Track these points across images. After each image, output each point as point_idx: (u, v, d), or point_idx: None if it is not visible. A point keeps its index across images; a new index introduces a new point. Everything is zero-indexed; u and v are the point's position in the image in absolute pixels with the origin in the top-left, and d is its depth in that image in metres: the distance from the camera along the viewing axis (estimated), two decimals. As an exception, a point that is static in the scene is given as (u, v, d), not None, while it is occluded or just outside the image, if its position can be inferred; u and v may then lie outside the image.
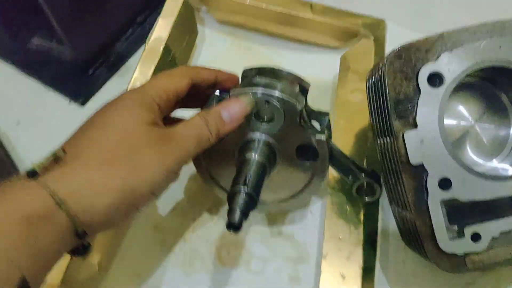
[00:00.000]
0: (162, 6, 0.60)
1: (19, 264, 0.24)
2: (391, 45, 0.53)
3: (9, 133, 0.54)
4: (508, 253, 0.36)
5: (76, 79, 0.57)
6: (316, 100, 0.53)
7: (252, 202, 0.36)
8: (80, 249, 0.30)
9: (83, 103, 0.56)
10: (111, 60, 0.58)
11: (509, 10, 0.60)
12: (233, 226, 0.34)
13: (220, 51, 0.57)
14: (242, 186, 0.36)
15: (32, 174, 0.27)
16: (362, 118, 0.49)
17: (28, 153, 0.53)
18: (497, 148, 0.40)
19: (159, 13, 0.60)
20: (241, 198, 0.35)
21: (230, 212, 0.35)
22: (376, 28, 0.53)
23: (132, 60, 0.59)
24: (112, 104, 0.34)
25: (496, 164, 0.40)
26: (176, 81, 0.36)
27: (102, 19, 0.56)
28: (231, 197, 0.36)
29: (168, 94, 0.35)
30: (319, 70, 0.55)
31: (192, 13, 0.55)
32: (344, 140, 0.48)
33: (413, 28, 0.57)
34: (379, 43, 0.52)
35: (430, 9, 0.61)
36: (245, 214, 0.35)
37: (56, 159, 0.29)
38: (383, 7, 0.59)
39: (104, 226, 0.30)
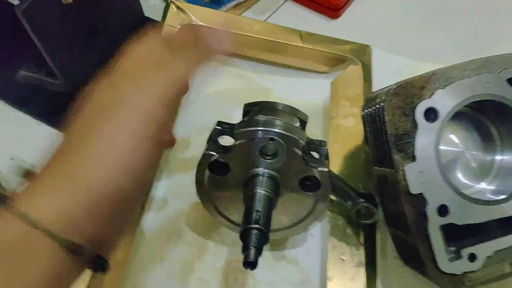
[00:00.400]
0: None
1: None
2: (377, 69, 0.56)
3: (3, 169, 0.54)
4: (500, 270, 0.40)
5: (69, 111, 0.57)
6: (308, 124, 0.55)
7: (264, 238, 0.37)
8: (95, 265, 0.27)
9: (77, 135, 0.56)
10: (103, 90, 0.58)
11: (487, 39, 0.64)
12: (250, 264, 0.35)
13: (212, 79, 0.58)
14: (254, 223, 0.37)
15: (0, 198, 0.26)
16: (355, 142, 0.51)
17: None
18: (485, 172, 0.43)
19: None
20: (254, 235, 0.37)
21: (245, 250, 0.36)
22: (362, 54, 0.56)
23: (123, 90, 0.59)
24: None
25: (484, 186, 0.43)
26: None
27: (93, 50, 0.56)
28: (245, 235, 0.37)
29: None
30: (310, 94, 0.57)
31: (185, 44, 0.56)
32: (339, 164, 0.50)
33: (396, 52, 0.60)
34: (366, 68, 0.55)
35: (410, 34, 0.64)
36: (259, 250, 0.37)
37: (27, 175, 0.28)
38: (367, 33, 0.62)
39: (97, 231, 0.27)
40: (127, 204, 0.29)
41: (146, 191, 0.32)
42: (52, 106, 0.58)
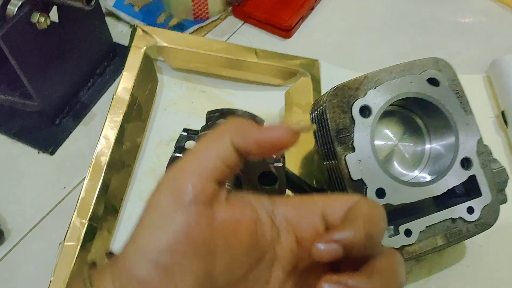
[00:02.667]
0: (119, 58, 0.66)
1: None
2: (325, 80, 0.63)
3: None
4: (434, 243, 0.46)
5: (44, 130, 0.61)
6: (266, 132, 0.61)
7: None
8: None
9: (52, 152, 0.60)
10: (76, 109, 0.63)
11: (414, 47, 0.73)
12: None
13: (177, 95, 0.64)
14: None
15: (90, 266, 0.27)
16: (307, 144, 0.57)
17: (3, 204, 0.56)
18: (417, 161, 0.50)
19: (115, 65, 0.66)
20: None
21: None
22: (311, 67, 0.63)
23: (95, 109, 0.64)
24: None
25: (417, 174, 0.49)
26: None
27: (65, 72, 0.60)
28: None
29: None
30: (267, 105, 0.64)
31: (152, 64, 0.61)
32: (295, 163, 0.56)
33: (341, 65, 0.68)
34: (315, 79, 0.62)
35: (353, 49, 0.72)
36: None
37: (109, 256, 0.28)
38: (316, 49, 0.70)
39: None
40: None
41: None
42: (27, 126, 0.61)
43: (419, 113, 0.49)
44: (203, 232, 0.24)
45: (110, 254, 0.28)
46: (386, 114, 0.49)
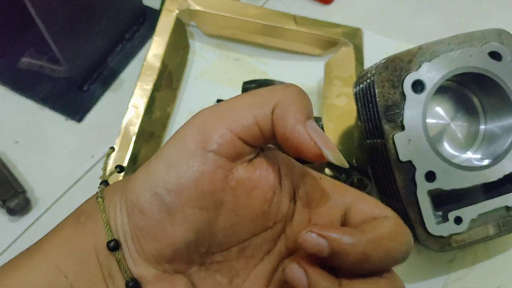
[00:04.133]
0: (148, 23, 0.63)
1: None
2: (368, 51, 0.59)
3: (9, 153, 0.55)
4: (485, 232, 0.42)
5: (72, 96, 0.59)
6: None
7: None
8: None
9: (79, 119, 0.58)
10: (104, 75, 0.60)
11: (470, 15, 0.67)
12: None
13: (209, 63, 0.60)
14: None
15: (102, 184, 0.27)
16: (348, 120, 0.54)
17: (30, 172, 0.54)
18: (470, 142, 0.46)
19: (145, 30, 0.63)
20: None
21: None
22: (354, 36, 0.58)
23: (123, 75, 0.61)
24: None
25: (470, 155, 0.45)
26: None
27: (94, 36, 0.58)
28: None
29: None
30: (304, 77, 0.60)
31: (184, 29, 0.58)
32: (334, 140, 0.53)
33: (386, 34, 0.63)
34: (358, 50, 0.58)
35: (399, 17, 0.67)
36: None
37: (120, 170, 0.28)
38: (358, 17, 0.65)
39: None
40: None
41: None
42: (54, 91, 0.59)
43: (475, 89, 0.45)
44: (215, 184, 0.23)
45: (120, 168, 0.29)
46: (438, 91, 0.44)
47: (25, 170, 0.55)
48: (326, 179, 0.26)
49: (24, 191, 0.52)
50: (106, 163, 0.30)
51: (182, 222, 0.23)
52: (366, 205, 0.24)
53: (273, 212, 0.25)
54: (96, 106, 0.59)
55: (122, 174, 0.46)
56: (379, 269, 0.22)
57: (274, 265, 0.26)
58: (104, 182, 0.27)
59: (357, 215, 0.24)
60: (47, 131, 0.57)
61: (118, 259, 0.24)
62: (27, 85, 0.60)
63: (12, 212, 0.50)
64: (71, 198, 0.53)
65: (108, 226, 0.24)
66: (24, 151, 0.56)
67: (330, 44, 0.59)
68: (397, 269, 0.46)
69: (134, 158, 0.49)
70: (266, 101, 0.23)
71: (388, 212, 0.24)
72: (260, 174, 0.24)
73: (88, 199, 0.26)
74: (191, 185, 0.22)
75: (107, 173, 0.28)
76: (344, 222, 0.25)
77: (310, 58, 0.61)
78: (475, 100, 0.45)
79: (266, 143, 0.24)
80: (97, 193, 0.26)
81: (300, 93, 0.24)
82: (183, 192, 0.22)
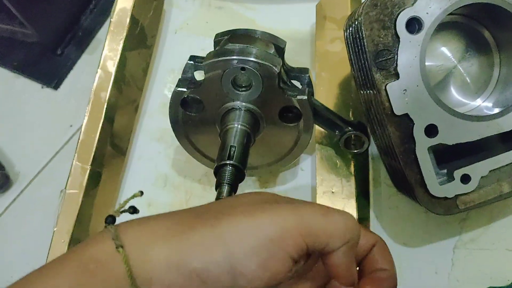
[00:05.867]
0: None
1: None
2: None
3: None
4: (498, 190, 0.37)
5: (46, 62, 0.55)
6: (296, 53, 0.51)
7: (239, 174, 0.36)
8: None
9: (56, 86, 0.54)
10: (78, 36, 0.56)
11: None
12: (224, 201, 0.34)
13: (189, 14, 0.55)
14: (227, 159, 0.35)
15: (109, 220, 0.25)
16: (344, 68, 0.48)
17: (7, 146, 0.52)
18: (481, 87, 0.39)
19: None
20: (228, 172, 0.35)
21: (218, 187, 0.34)
22: (349, -30, 0.50)
23: (100, 35, 0.56)
24: None
25: (480, 103, 0.39)
26: None
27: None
28: (218, 172, 0.35)
29: None
30: (295, 22, 0.53)
31: (155, -23, 0.52)
32: (328, 92, 0.47)
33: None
34: (354, -13, 0.50)
35: None
36: (233, 187, 0.35)
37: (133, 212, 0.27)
38: None
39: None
40: None
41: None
42: (29, 58, 0.55)
43: (487, 23, 0.38)
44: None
45: (133, 209, 0.27)
46: (443, 27, 0.38)
47: (3, 144, 0.52)
48: None
49: (2, 167, 0.49)
50: (125, 202, 0.26)
51: None
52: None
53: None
54: (73, 70, 0.55)
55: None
56: None
57: None
58: (111, 218, 0.25)
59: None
60: (23, 101, 0.54)
61: None
62: (0, 52, 0.56)
63: (-10, 190, 0.48)
64: (51, 171, 0.51)
65: (133, 279, 0.22)
66: (1, 124, 0.53)
67: (322, -19, 0.52)
68: (402, 233, 0.42)
69: (109, 127, 0.45)
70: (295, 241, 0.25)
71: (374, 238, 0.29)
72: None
73: (94, 242, 0.24)
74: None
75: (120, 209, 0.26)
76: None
77: (302, 0, 0.54)
78: (488, 35, 0.38)
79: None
80: (105, 232, 0.24)
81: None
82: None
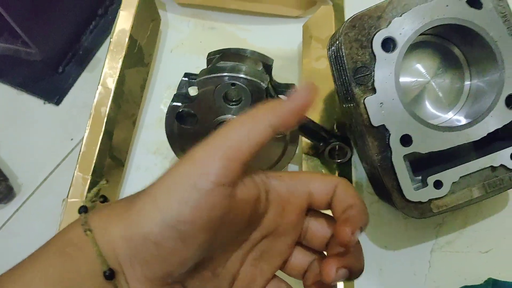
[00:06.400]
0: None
1: None
2: (350, 8, 0.55)
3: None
4: (469, 195, 0.40)
5: (48, 79, 0.58)
6: (284, 70, 0.55)
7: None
8: None
9: (57, 102, 0.57)
10: (79, 54, 0.59)
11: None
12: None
13: (184, 34, 0.58)
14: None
15: (82, 210, 0.27)
16: (328, 84, 0.51)
17: (11, 159, 0.54)
18: (452, 101, 0.43)
19: (119, 4, 0.61)
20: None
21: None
22: (333, -7, 0.54)
23: (99, 54, 0.59)
24: None
25: (451, 116, 0.43)
26: None
27: (62, 15, 0.56)
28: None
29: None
30: (284, 40, 0.57)
31: (152, 0, 0.55)
32: (314, 106, 0.50)
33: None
34: (338, 8, 0.54)
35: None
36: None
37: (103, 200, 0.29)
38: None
39: (143, 268, 0.25)
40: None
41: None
42: (31, 75, 0.58)
43: (457, 42, 0.42)
44: (224, 212, 0.25)
45: (103, 198, 0.31)
46: (417, 46, 0.41)
47: (6, 157, 0.54)
48: (283, 174, 0.30)
49: (6, 179, 0.52)
50: (95, 191, 0.29)
51: (193, 244, 0.25)
52: (321, 182, 0.29)
53: (256, 216, 0.28)
54: (73, 87, 0.58)
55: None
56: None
57: (248, 249, 0.29)
58: (83, 208, 0.27)
59: (319, 194, 0.29)
60: (26, 116, 0.57)
61: (115, 287, 0.25)
62: (4, 70, 0.59)
63: (-5, 200, 0.51)
64: (53, 183, 0.53)
65: (102, 258, 0.25)
66: (4, 138, 0.56)
67: (309, 4, 0.55)
68: (383, 237, 0.44)
69: (108, 140, 0.48)
70: (259, 121, 0.26)
71: (335, 179, 0.29)
72: (250, 190, 0.27)
73: (69, 227, 0.26)
74: (204, 215, 0.24)
75: (89, 200, 0.28)
76: (310, 203, 0.30)
77: (290, 21, 0.58)
78: (458, 53, 0.42)
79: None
80: (79, 219, 0.26)
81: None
82: (197, 222, 0.24)
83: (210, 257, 0.27)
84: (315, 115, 0.50)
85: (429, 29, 0.38)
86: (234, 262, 0.29)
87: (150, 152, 0.52)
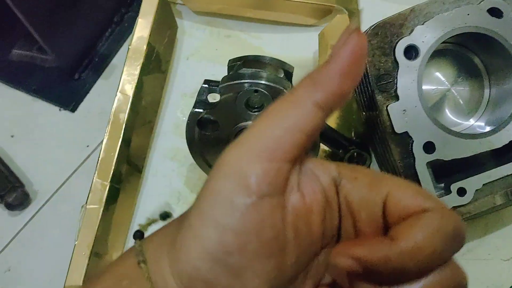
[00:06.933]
0: (137, 4, 0.60)
1: None
2: (365, 17, 0.56)
3: (5, 147, 0.55)
4: (491, 202, 0.40)
5: (63, 86, 0.58)
6: (298, 78, 0.55)
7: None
8: None
9: (73, 109, 0.57)
10: (95, 62, 0.59)
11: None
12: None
13: (200, 42, 0.58)
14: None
15: (136, 236, 0.24)
16: (345, 92, 0.51)
17: (27, 165, 0.54)
18: (473, 108, 0.43)
19: (135, 11, 0.61)
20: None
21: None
22: (349, 2, 0.55)
23: (115, 61, 0.60)
24: None
25: (472, 123, 0.43)
26: None
27: (79, 22, 0.56)
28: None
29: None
30: (299, 49, 0.57)
31: (169, 8, 0.55)
32: (332, 115, 0.50)
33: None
34: (354, 16, 0.54)
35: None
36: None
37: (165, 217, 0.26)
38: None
39: None
40: None
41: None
42: (47, 82, 0.58)
43: (477, 50, 0.42)
44: (276, 228, 0.20)
45: (139, 234, 0.25)
46: (437, 54, 0.41)
47: (22, 163, 0.54)
48: (361, 177, 0.22)
49: (22, 185, 0.52)
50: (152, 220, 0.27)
51: (253, 279, 0.20)
52: (404, 196, 0.21)
53: (329, 229, 0.23)
54: (89, 94, 0.58)
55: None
56: (425, 272, 0.20)
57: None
58: (139, 233, 0.24)
59: (394, 211, 0.21)
60: (41, 123, 0.57)
61: None
62: (20, 77, 0.59)
63: (11, 207, 0.50)
64: (69, 189, 0.53)
65: None
66: (20, 145, 0.56)
67: (324, 13, 0.56)
68: None
69: (126, 146, 0.48)
70: (298, 101, 0.21)
71: (428, 201, 0.20)
72: (310, 195, 0.22)
73: (126, 255, 0.23)
74: (253, 238, 0.20)
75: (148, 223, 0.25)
76: (385, 219, 0.21)
77: (305, 29, 0.58)
78: (478, 61, 0.42)
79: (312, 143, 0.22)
80: (135, 249, 0.23)
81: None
82: (247, 248, 0.20)
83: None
84: (333, 122, 0.50)
85: (450, 37, 0.38)
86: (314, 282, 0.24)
87: (167, 158, 0.52)
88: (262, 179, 0.20)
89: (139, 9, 0.59)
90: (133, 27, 0.60)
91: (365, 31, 0.40)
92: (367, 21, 0.55)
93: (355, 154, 0.46)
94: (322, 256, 0.23)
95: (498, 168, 0.39)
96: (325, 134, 0.45)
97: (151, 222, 0.27)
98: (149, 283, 0.21)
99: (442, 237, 0.19)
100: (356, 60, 0.20)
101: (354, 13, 0.55)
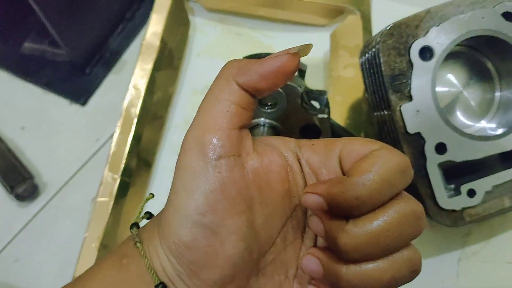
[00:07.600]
0: (149, 1, 0.61)
1: None
2: (377, 18, 0.56)
3: (16, 139, 0.55)
4: (500, 204, 0.40)
5: (74, 80, 0.59)
6: (310, 78, 0.55)
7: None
8: None
9: (83, 103, 0.57)
10: (106, 57, 0.59)
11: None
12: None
13: (212, 39, 0.59)
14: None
15: (133, 227, 0.27)
16: (356, 92, 0.52)
17: (37, 157, 0.54)
18: (484, 110, 0.43)
19: (146, 8, 0.61)
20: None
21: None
22: (361, 3, 0.55)
23: (125, 56, 0.60)
24: None
25: (484, 125, 0.43)
26: None
27: (93, 17, 0.57)
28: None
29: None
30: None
31: (183, 4, 0.56)
32: (341, 114, 0.51)
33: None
34: (366, 17, 0.55)
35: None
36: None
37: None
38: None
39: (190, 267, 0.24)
40: None
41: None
42: (58, 76, 0.59)
43: (489, 54, 0.42)
44: (238, 185, 0.23)
45: (149, 214, 0.29)
46: (450, 56, 0.42)
47: (32, 155, 0.55)
48: (317, 143, 0.26)
49: (31, 177, 0.52)
50: (141, 207, 0.29)
51: (229, 235, 0.23)
52: (353, 147, 0.24)
53: (294, 189, 0.25)
54: (99, 88, 0.58)
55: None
56: (380, 202, 0.22)
57: (314, 239, 0.26)
58: (135, 225, 0.27)
59: (349, 160, 0.24)
60: (52, 116, 0.57)
61: None
62: (31, 70, 0.59)
63: (20, 198, 0.51)
64: (78, 182, 0.53)
65: (152, 271, 0.24)
66: (31, 137, 0.56)
67: (336, 13, 0.56)
68: (414, 244, 0.43)
69: (137, 141, 0.49)
70: (225, 81, 0.24)
71: (375, 145, 0.23)
72: (268, 158, 0.25)
73: (126, 240, 0.27)
74: (219, 196, 0.23)
75: (140, 216, 0.28)
76: (343, 171, 0.25)
77: (316, 29, 0.58)
78: (489, 65, 0.42)
79: (251, 114, 0.25)
80: (132, 234, 0.26)
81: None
82: (216, 206, 0.23)
83: (270, 253, 0.25)
84: (343, 122, 0.50)
85: (463, 40, 0.39)
86: (294, 249, 0.26)
87: (177, 153, 0.52)
88: (216, 144, 0.23)
89: (150, 6, 0.60)
90: (144, 24, 0.61)
91: (380, 32, 0.40)
92: (378, 22, 0.55)
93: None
94: (294, 220, 0.26)
95: (508, 170, 0.40)
96: (336, 132, 0.45)
97: (141, 213, 0.28)
98: (145, 259, 0.24)
99: (388, 167, 0.22)
100: (278, 74, 0.24)
101: (366, 14, 0.55)
